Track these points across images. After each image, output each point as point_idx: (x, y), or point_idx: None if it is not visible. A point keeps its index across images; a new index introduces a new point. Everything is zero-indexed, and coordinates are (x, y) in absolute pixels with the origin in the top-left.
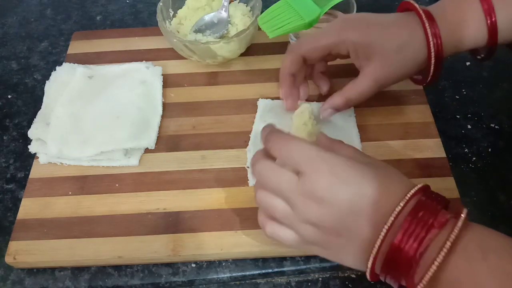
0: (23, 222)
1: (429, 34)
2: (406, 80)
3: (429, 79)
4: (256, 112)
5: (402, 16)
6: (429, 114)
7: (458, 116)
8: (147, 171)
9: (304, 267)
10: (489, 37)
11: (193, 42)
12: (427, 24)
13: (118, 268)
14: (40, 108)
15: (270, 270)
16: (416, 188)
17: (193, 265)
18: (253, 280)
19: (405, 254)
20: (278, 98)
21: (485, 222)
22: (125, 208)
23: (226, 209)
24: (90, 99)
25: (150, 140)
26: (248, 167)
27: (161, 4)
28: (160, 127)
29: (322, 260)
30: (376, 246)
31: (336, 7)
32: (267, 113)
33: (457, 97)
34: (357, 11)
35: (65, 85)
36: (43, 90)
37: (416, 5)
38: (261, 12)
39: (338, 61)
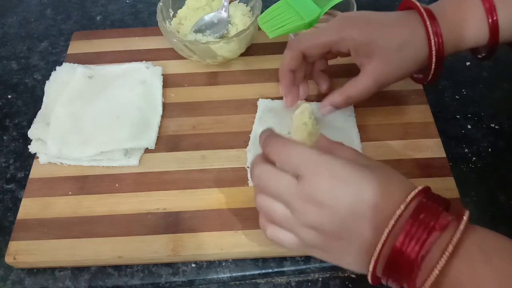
0: (23, 222)
1: (430, 33)
2: (406, 80)
3: (429, 78)
4: (256, 112)
5: (403, 15)
6: (429, 114)
7: (458, 116)
8: (147, 171)
9: (304, 267)
10: (490, 36)
11: (193, 42)
12: (428, 23)
13: (118, 268)
14: (40, 108)
15: (270, 270)
16: (417, 190)
17: (193, 265)
18: (253, 280)
19: (406, 257)
20: (278, 98)
21: (485, 222)
22: (125, 208)
23: (226, 209)
24: (90, 99)
25: (150, 140)
26: (248, 167)
27: (161, 4)
28: (160, 127)
29: (322, 260)
30: (377, 249)
31: (336, 7)
32: (267, 113)
33: (457, 97)
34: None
35: (65, 85)
36: (43, 90)
37: (418, 3)
38: (261, 12)
39: (339, 61)
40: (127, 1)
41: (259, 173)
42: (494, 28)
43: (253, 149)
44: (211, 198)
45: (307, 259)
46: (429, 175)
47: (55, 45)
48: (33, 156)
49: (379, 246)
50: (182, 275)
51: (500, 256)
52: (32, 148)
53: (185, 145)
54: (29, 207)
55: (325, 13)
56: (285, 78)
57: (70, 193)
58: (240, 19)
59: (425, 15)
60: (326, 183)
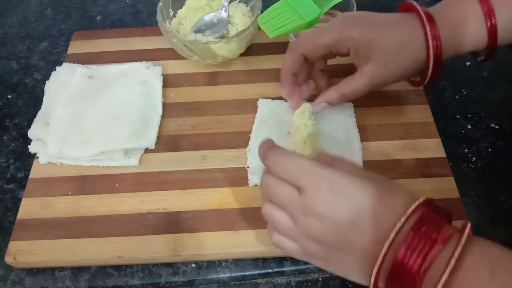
0: (23, 222)
1: (429, 36)
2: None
3: (426, 81)
4: (256, 112)
5: (403, 17)
6: (429, 114)
7: (458, 116)
8: (147, 171)
9: (304, 267)
10: (489, 39)
11: (193, 42)
12: (427, 26)
13: (118, 268)
14: (40, 108)
15: (270, 270)
16: (417, 203)
17: (193, 265)
18: (253, 280)
19: (409, 270)
20: (278, 98)
21: (485, 222)
22: (125, 208)
23: (226, 209)
24: (90, 99)
25: (150, 140)
26: (248, 167)
27: (161, 4)
28: (160, 127)
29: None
30: (378, 261)
31: (336, 7)
32: (267, 113)
33: (457, 97)
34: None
35: (65, 85)
36: (43, 90)
37: (417, 6)
38: (261, 12)
39: (338, 61)
40: (127, 1)
41: (265, 181)
42: (492, 31)
43: (253, 149)
44: (211, 198)
45: None
46: (429, 175)
47: (55, 45)
48: (33, 156)
49: (380, 258)
50: (182, 275)
51: (506, 271)
52: (32, 148)
53: (185, 145)
54: (29, 207)
55: (325, 13)
56: (287, 81)
57: (70, 193)
58: (240, 19)
59: (424, 18)
60: (326, 196)
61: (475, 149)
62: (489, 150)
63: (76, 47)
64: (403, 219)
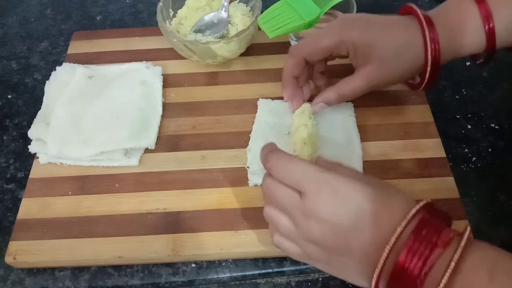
0: (23, 222)
1: (428, 39)
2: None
3: (424, 84)
4: (256, 112)
5: (403, 19)
6: (429, 114)
7: (458, 116)
8: (147, 171)
9: (304, 267)
10: (488, 43)
11: (193, 42)
12: (426, 29)
13: (118, 268)
14: (40, 108)
15: (270, 270)
16: (418, 207)
17: (193, 265)
18: (253, 280)
19: (410, 273)
20: (278, 98)
21: (485, 222)
22: (125, 208)
23: (226, 209)
24: (90, 99)
25: (150, 140)
26: (248, 167)
27: (161, 4)
28: (160, 127)
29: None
30: (379, 266)
31: (336, 7)
32: (267, 113)
33: (457, 97)
34: (357, 11)
35: (65, 85)
36: (43, 90)
37: (417, 9)
38: (261, 12)
39: (338, 61)
40: (127, 1)
41: (267, 184)
42: (490, 34)
43: (253, 149)
44: (211, 198)
45: None
46: (429, 175)
47: (55, 45)
48: (33, 156)
49: (381, 262)
50: (182, 275)
51: (505, 274)
52: (32, 148)
53: (185, 145)
54: (29, 207)
55: (325, 13)
56: (289, 85)
57: (70, 193)
58: (240, 19)
59: (423, 21)
60: (327, 200)
61: (475, 149)
62: (489, 150)
63: (76, 47)
64: (403, 224)
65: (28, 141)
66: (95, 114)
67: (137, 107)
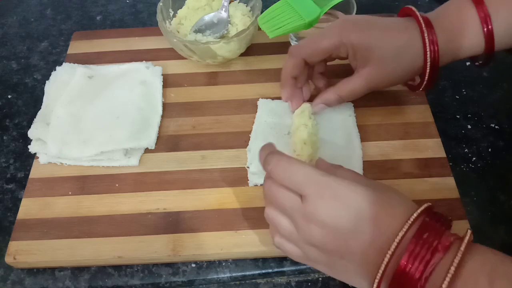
0: (23, 222)
1: (427, 41)
2: None
3: (423, 86)
4: (256, 112)
5: (402, 21)
6: (429, 114)
7: (458, 116)
8: (147, 171)
9: (304, 267)
10: (486, 45)
11: (193, 42)
12: (425, 31)
13: (118, 268)
14: (40, 108)
15: (270, 270)
16: (419, 211)
17: (193, 265)
18: (253, 280)
19: (411, 277)
20: (278, 98)
21: (485, 222)
22: (125, 208)
23: (226, 209)
24: (90, 99)
25: (150, 140)
26: (248, 167)
27: (161, 4)
28: (160, 127)
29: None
30: (380, 271)
31: (336, 7)
32: (267, 113)
33: (457, 97)
34: (357, 11)
35: (65, 85)
36: (43, 90)
37: (416, 11)
38: (261, 12)
39: (337, 61)
40: (127, 1)
41: (267, 187)
42: (489, 37)
43: (253, 149)
44: (211, 198)
45: None
46: (429, 175)
47: (55, 45)
48: (33, 156)
49: (382, 268)
50: (182, 275)
51: (505, 279)
52: (32, 148)
53: (185, 145)
54: (29, 207)
55: (325, 13)
56: (288, 85)
57: (70, 193)
58: (240, 19)
59: (422, 23)
60: (328, 204)
61: (475, 149)
62: (489, 150)
63: (76, 47)
64: (405, 228)
65: (28, 141)
66: (95, 114)
67: (137, 107)
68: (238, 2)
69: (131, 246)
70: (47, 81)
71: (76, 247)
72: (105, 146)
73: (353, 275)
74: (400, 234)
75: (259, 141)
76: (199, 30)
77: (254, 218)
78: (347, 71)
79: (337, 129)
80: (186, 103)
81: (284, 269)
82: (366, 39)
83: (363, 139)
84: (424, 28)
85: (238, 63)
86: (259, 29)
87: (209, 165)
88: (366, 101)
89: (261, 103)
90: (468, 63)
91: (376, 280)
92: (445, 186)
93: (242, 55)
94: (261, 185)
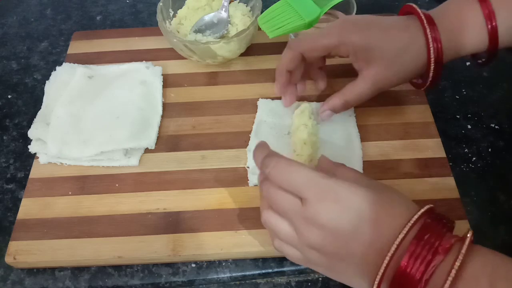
0: (23, 222)
1: (429, 38)
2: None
3: (428, 83)
4: (256, 112)
5: (403, 19)
6: (429, 114)
7: (458, 116)
8: (147, 171)
9: (304, 267)
10: (490, 42)
11: (193, 42)
12: (427, 28)
13: (118, 268)
14: (40, 108)
15: (270, 270)
16: (419, 213)
17: (193, 265)
18: (253, 280)
19: (411, 278)
20: (278, 98)
21: (485, 222)
22: (125, 208)
23: (226, 209)
24: (90, 99)
25: (150, 140)
26: (248, 167)
27: (161, 4)
28: (160, 127)
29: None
30: (381, 272)
31: (336, 7)
32: (267, 113)
33: (457, 97)
34: (357, 11)
35: (65, 85)
36: (43, 90)
37: (418, 8)
38: (261, 12)
39: (338, 61)
40: (127, 1)
41: (266, 189)
42: (493, 34)
43: (253, 149)
44: (211, 198)
45: None
46: (429, 175)
47: (55, 45)
48: (33, 156)
49: (382, 270)
50: (182, 275)
51: (504, 279)
52: (32, 148)
53: (185, 145)
54: (29, 207)
55: (325, 13)
56: (282, 77)
57: (70, 193)
58: (240, 19)
59: (424, 20)
60: (329, 207)
61: (475, 149)
62: (489, 150)
63: (76, 47)
64: (406, 229)
65: (28, 141)
66: (95, 114)
67: (137, 107)
68: (238, 2)
69: (131, 246)
70: (47, 81)
71: (76, 247)
72: (105, 146)
73: (353, 276)
74: (401, 235)
75: (259, 141)
76: (199, 30)
77: (254, 218)
78: (347, 71)
79: (337, 129)
80: (186, 103)
81: (284, 269)
82: (366, 40)
83: (363, 139)
84: (426, 26)
85: (238, 63)
86: (259, 29)
87: (209, 165)
88: (366, 101)
89: (261, 103)
90: (468, 63)
91: (376, 281)
92: (445, 186)
93: (242, 55)
94: None
